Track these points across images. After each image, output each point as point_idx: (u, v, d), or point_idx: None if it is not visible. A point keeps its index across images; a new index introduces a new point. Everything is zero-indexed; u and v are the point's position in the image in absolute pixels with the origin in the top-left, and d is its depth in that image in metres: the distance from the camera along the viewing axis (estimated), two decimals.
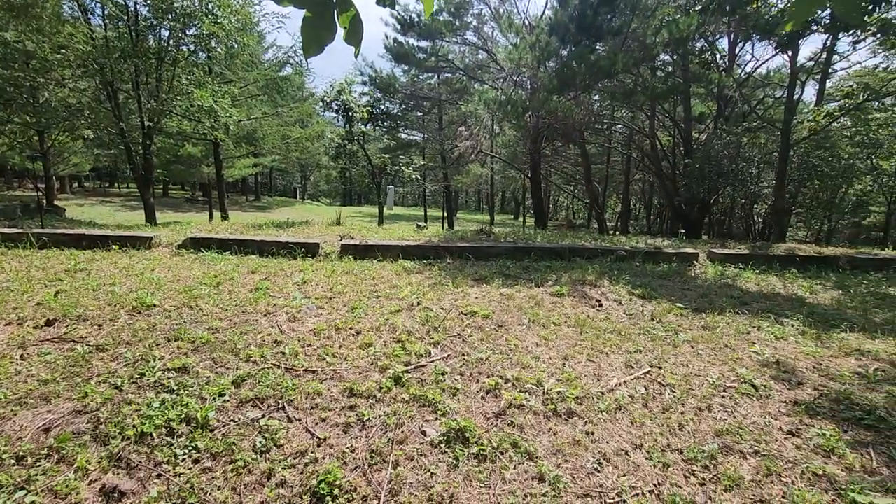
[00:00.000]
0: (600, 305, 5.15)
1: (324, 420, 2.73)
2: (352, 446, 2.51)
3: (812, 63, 16.38)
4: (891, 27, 10.06)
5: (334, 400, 2.93)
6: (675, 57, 16.58)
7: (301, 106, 28.18)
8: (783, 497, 2.22)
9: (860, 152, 12.68)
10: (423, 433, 2.60)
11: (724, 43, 17.32)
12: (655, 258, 7.50)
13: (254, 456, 2.41)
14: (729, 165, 13.30)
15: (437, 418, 2.76)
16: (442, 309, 4.58)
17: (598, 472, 2.34)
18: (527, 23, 19.36)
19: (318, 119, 33.21)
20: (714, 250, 7.93)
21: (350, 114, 15.55)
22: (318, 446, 2.51)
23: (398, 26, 21.99)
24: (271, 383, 3.03)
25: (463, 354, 3.60)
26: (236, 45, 16.12)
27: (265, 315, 4.24)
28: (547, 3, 18.06)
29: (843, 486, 2.28)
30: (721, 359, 3.76)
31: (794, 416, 2.93)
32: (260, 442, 2.50)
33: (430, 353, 3.62)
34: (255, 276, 5.56)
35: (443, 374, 3.26)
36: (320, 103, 18.64)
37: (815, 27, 10.07)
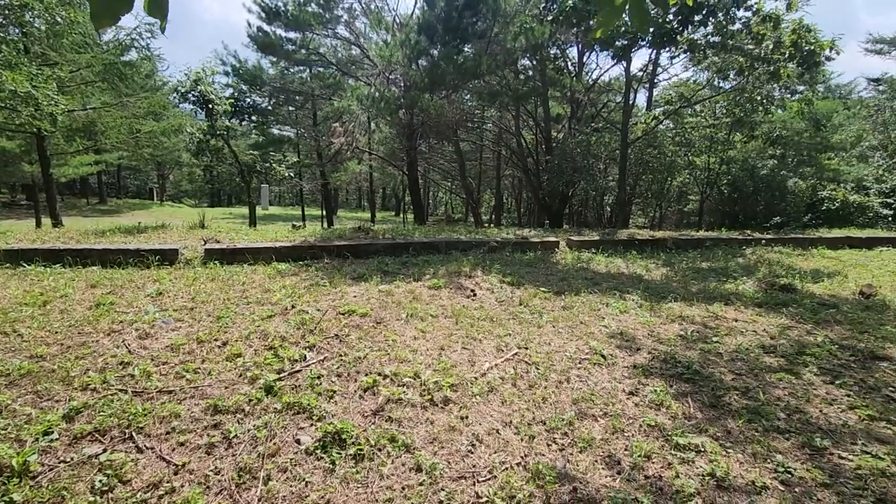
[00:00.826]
0: (474, 295, 5.41)
1: (182, 444, 2.47)
2: (216, 468, 2.31)
3: (642, 73, 19.10)
4: (696, 46, 12.12)
5: (195, 420, 2.66)
6: (534, 62, 18.04)
7: (152, 96, 24.81)
8: (625, 449, 2.56)
9: (679, 150, 15.17)
10: (298, 441, 2.49)
11: (574, 52, 19.32)
12: (523, 247, 8.10)
13: (92, 499, 2.09)
14: (582, 162, 14.90)
15: (312, 424, 2.66)
16: (318, 310, 4.42)
17: (472, 453, 2.47)
18: (397, 20, 19.46)
19: (175, 111, 29.68)
20: (572, 238, 8.82)
21: (211, 106, 14.16)
22: (176, 474, 2.26)
23: (263, 14, 20.54)
24: (115, 411, 2.65)
25: (340, 355, 3.52)
26: (61, 21, 13.62)
27: (109, 334, 3.69)
28: (416, 2, 18.35)
29: (670, 433, 2.70)
30: (577, 334, 4.20)
31: (633, 378, 3.40)
32: (100, 481, 2.17)
33: (305, 357, 3.47)
34: (95, 290, 4.80)
35: (319, 378, 3.16)
36: (174, 94, 16.67)
37: (641, 42, 11.73)
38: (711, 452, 2.52)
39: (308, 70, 26.23)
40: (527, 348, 3.83)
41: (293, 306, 4.51)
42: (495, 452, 2.48)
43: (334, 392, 3.00)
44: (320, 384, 3.08)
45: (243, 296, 4.80)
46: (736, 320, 4.77)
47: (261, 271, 5.87)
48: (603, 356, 3.71)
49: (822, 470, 2.41)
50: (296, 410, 2.78)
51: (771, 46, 11.08)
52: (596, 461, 2.44)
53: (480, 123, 26.64)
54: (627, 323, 4.57)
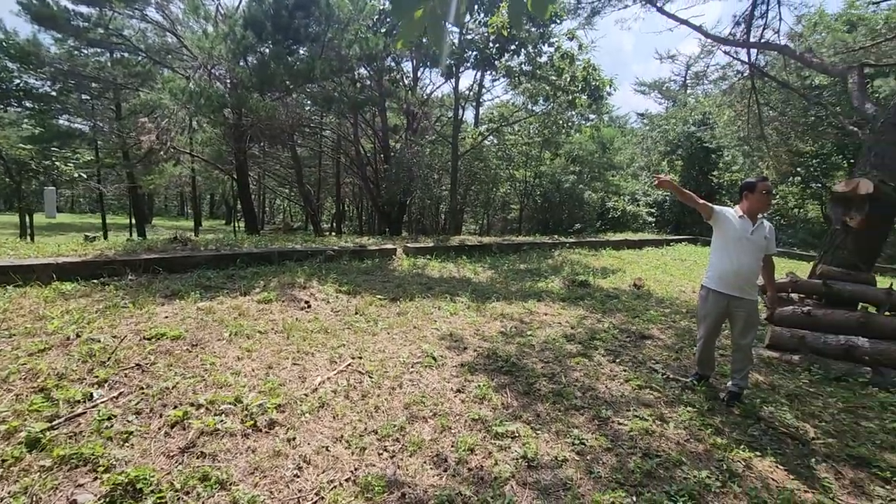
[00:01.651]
0: (309, 306, 5.17)
1: None
2: None
3: (470, 92, 20.79)
4: (512, 73, 13.68)
5: None
6: (371, 72, 18.17)
7: None
8: (452, 446, 2.70)
9: (502, 164, 16.93)
10: (74, 503, 2.04)
11: (409, 66, 20.03)
12: (361, 255, 8.06)
13: None
14: (417, 172, 15.50)
15: (97, 477, 2.21)
16: (115, 337, 3.72)
17: (299, 477, 2.33)
18: (221, 10, 17.69)
19: None
20: (409, 245, 9.09)
21: None
22: None
23: None
24: None
25: (141, 388, 3.01)
26: None
27: None
28: None
29: (491, 424, 2.94)
30: (411, 339, 4.32)
31: (461, 376, 3.62)
32: None
33: (91, 395, 2.88)
34: None
35: (109, 419, 2.65)
36: None
37: (467, 63, 12.77)
38: (524, 436, 2.82)
39: (109, 54, 22.11)
40: (361, 357, 3.80)
41: (78, 335, 3.71)
42: (324, 472, 2.38)
43: (130, 434, 2.54)
44: (111, 426, 2.58)
45: (2, 327, 3.79)
46: (546, 314, 5.45)
47: (33, 294, 4.71)
48: (434, 358, 3.88)
49: (606, 436, 2.88)
50: (73, 464, 2.27)
51: (568, 79, 13.07)
52: (425, 462, 2.52)
53: (319, 129, 25.79)
54: (457, 324, 4.87)
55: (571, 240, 11.88)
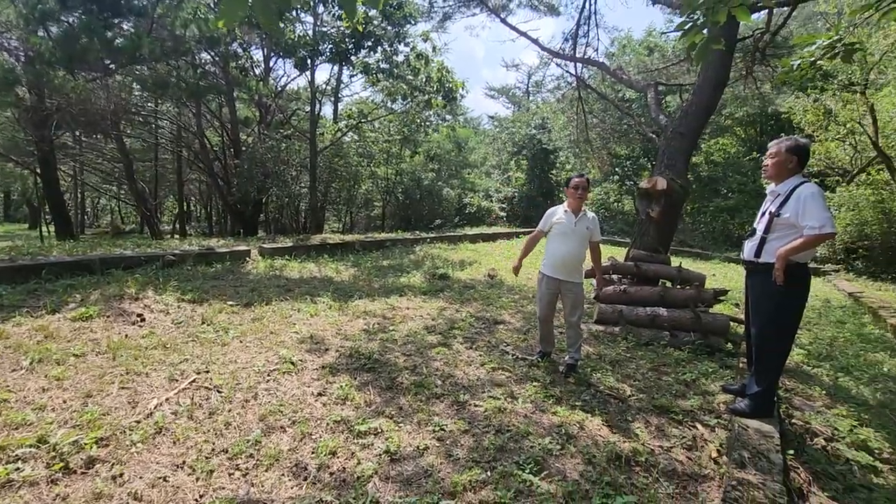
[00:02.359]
0: (143, 320, 4.53)
1: None
2: None
3: (327, 86, 20.10)
4: (370, 69, 13.59)
5: None
6: (215, 57, 16.42)
7: None
8: (313, 453, 2.60)
9: (363, 161, 16.78)
10: None
11: (259, 55, 18.57)
12: (209, 259, 7.29)
13: None
14: (273, 168, 14.54)
15: None
16: None
17: None
18: None
19: None
20: (264, 245, 8.49)
21: None
22: None
23: None
24: None
25: None
26: None
27: None
28: None
29: (354, 423, 2.91)
30: (267, 345, 4.06)
31: (322, 378, 3.51)
32: None
33: None
34: None
35: None
36: None
37: (322, 56, 12.34)
38: (387, 431, 2.85)
39: None
40: (208, 371, 3.45)
41: None
42: None
43: None
44: None
45: None
46: (408, 308, 5.57)
47: None
48: (293, 363, 3.70)
49: (464, 420, 3.06)
50: None
51: (424, 79, 13.46)
52: (283, 475, 2.39)
53: (153, 118, 22.49)
54: (318, 325, 4.71)
55: (432, 235, 12.29)
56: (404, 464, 2.56)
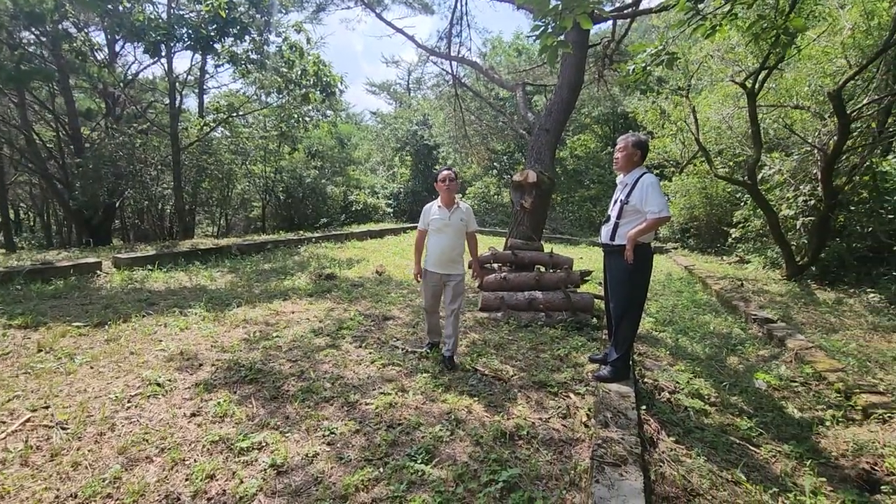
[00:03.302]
0: None
1: None
2: None
3: (189, 76, 18.13)
4: (238, 60, 12.56)
5: None
6: (41, 37, 13.86)
7: None
8: (187, 479, 2.37)
9: (237, 159, 15.52)
10: None
11: (101, 37, 16.09)
12: (45, 275, 6.21)
13: None
14: (127, 167, 12.81)
15: None
16: None
17: None
18: None
19: None
20: (120, 255, 7.46)
21: None
22: None
23: None
24: None
25: None
26: None
27: None
28: None
29: (234, 441, 2.70)
30: (126, 368, 3.59)
31: (196, 397, 3.21)
32: None
33: None
34: None
35: None
36: None
37: (179, 43, 11.10)
38: (273, 444, 2.70)
39: None
40: (47, 407, 2.95)
41: None
42: None
43: None
44: None
45: None
46: (294, 312, 5.32)
47: None
48: (159, 384, 3.32)
49: (355, 420, 3.02)
50: None
51: (300, 72, 12.85)
52: None
53: None
54: (189, 340, 4.28)
55: (317, 234, 11.86)
56: (293, 475, 2.45)
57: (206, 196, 15.35)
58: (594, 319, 5.25)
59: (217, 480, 2.37)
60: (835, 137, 6.82)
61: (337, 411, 3.13)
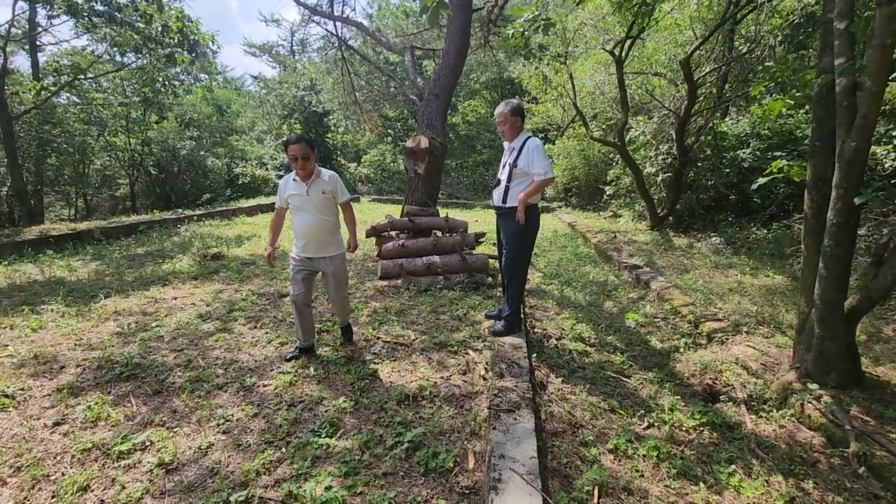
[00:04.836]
0: None
1: None
2: None
3: (17, 30, 14.99)
4: (78, 11, 10.64)
5: None
6: None
7: None
8: (53, 497, 2.12)
9: (91, 129, 13.38)
10: None
11: None
12: None
13: None
14: None
15: None
16: None
17: None
18: None
19: None
20: None
21: None
22: None
23: None
24: None
25: None
26: None
27: None
28: None
29: (111, 445, 2.45)
30: None
31: (59, 405, 2.84)
32: None
33: None
34: None
35: None
36: None
37: None
38: (159, 441, 2.50)
39: None
40: None
41: None
42: None
43: None
44: None
45: None
46: (176, 298, 4.87)
47: None
48: (8, 396, 2.87)
49: (252, 403, 2.90)
50: None
51: (160, 29, 11.30)
52: None
53: None
54: (45, 341, 3.74)
55: (200, 212, 10.82)
56: (184, 471, 2.31)
57: (56, 174, 13.14)
58: (489, 279, 5.52)
59: (93, 491, 2.16)
60: (685, 102, 7.72)
61: (232, 397, 2.98)
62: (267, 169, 16.85)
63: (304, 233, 3.30)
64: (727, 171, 7.95)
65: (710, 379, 3.37)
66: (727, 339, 3.96)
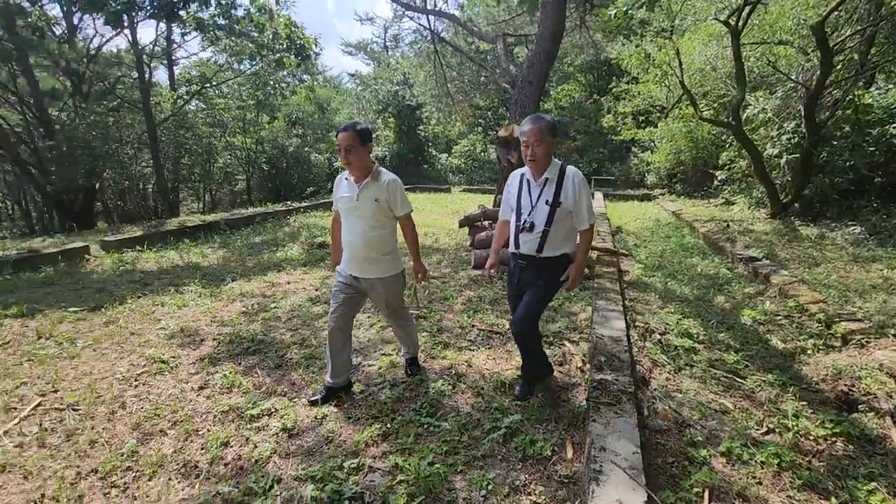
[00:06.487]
0: None
1: None
2: None
3: (157, 48, 17.30)
4: (205, 26, 11.99)
5: None
6: None
7: None
8: (202, 449, 2.47)
9: (215, 131, 15.10)
10: None
11: (56, 10, 15.18)
12: (34, 264, 6.15)
13: None
14: (102, 147, 12.44)
15: None
16: None
17: None
18: None
19: None
20: (108, 238, 7.38)
21: None
22: None
23: None
24: None
25: None
26: None
27: None
28: None
29: (244, 409, 2.80)
30: (129, 349, 3.64)
31: (202, 371, 3.28)
32: None
33: None
34: None
35: None
36: None
37: (141, 11, 10.54)
38: (282, 409, 2.79)
39: None
40: (56, 391, 3.01)
41: None
42: None
43: None
44: None
45: None
46: (289, 283, 5.36)
47: None
48: (164, 362, 3.38)
49: (360, 381, 3.12)
50: None
51: (271, 36, 12.34)
52: (170, 478, 2.24)
53: None
54: (188, 317, 4.32)
55: (305, 204, 11.74)
56: (304, 437, 2.56)
57: (188, 172, 15.03)
58: (586, 270, 5.34)
59: (232, 447, 2.47)
60: (817, 72, 6.77)
61: None
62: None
63: (349, 244, 2.72)
64: (871, 149, 6.88)
65: (846, 386, 2.98)
66: (868, 342, 3.47)
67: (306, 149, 17.04)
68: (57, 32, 15.10)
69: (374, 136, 2.81)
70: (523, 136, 2.60)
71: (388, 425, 2.62)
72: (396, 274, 2.80)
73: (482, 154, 19.46)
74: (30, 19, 13.76)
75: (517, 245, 2.74)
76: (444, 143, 21.31)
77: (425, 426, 2.60)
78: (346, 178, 2.73)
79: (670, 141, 12.76)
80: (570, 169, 2.64)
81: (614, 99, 14.95)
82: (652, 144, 14.24)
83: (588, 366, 3.25)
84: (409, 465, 2.25)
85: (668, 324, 4.02)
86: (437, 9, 9.10)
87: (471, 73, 14.67)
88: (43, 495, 2.13)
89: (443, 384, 3.03)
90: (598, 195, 12.86)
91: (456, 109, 15.21)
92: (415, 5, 9.49)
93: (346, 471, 2.25)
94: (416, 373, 3.16)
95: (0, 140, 15.60)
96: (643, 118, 14.13)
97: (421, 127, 18.54)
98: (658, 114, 13.20)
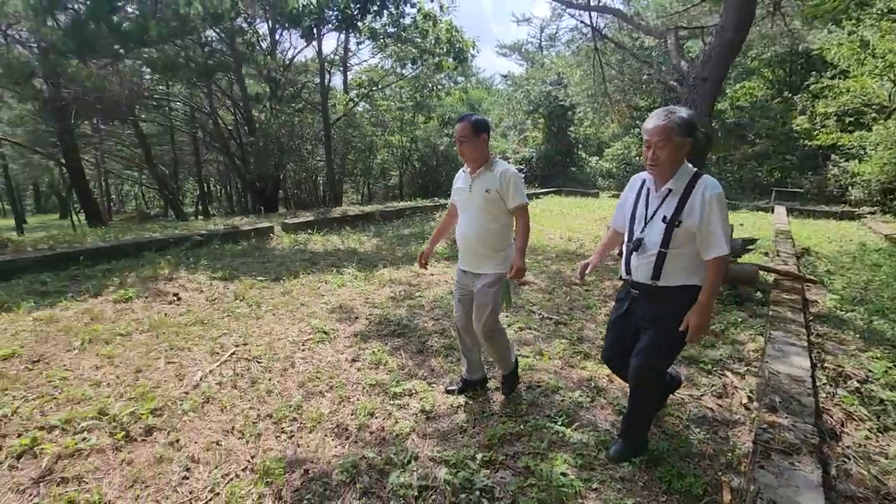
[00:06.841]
0: (179, 299, 4.71)
1: None
2: None
3: (335, 56, 19.75)
4: (377, 35, 13.28)
5: None
6: (220, 34, 16.27)
7: None
8: (352, 414, 2.73)
9: (377, 130, 16.66)
10: None
11: (264, 28, 18.28)
12: (234, 237, 7.46)
13: None
14: (288, 143, 14.56)
15: None
16: None
17: (188, 478, 2.19)
18: None
19: None
20: (287, 221, 8.62)
21: None
22: None
23: None
24: None
25: None
26: None
27: None
28: None
29: (388, 386, 3.02)
30: (299, 317, 4.19)
31: (354, 346, 3.63)
32: None
33: None
34: None
35: None
36: None
37: (328, 24, 12.08)
38: (421, 392, 2.95)
39: None
40: (246, 344, 3.60)
41: None
42: (216, 467, 2.26)
43: None
44: None
45: None
46: (433, 275, 5.64)
47: None
48: (325, 332, 3.82)
49: (495, 378, 3.14)
50: None
51: (433, 41, 13.11)
52: (325, 436, 2.52)
53: (166, 101, 22.58)
54: (346, 296, 4.82)
55: None
56: (440, 421, 2.66)
57: (352, 167, 16.80)
58: (758, 293, 4.63)
59: (376, 418, 2.69)
60: None
61: None
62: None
63: (463, 236, 2.66)
64: None
65: None
66: None
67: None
68: (263, 46, 18.07)
69: (490, 128, 2.68)
70: (646, 133, 2.10)
71: (521, 427, 2.58)
72: (499, 275, 2.60)
73: (636, 158, 18.14)
74: (245, 36, 16.67)
75: (628, 270, 2.25)
76: (595, 145, 20.39)
77: (559, 434, 2.51)
78: (464, 171, 2.71)
79: (889, 148, 10.33)
80: (705, 180, 2.06)
81: (811, 97, 12.64)
82: (861, 152, 11.70)
83: (756, 404, 2.80)
84: (542, 470, 2.19)
85: (871, 371, 3.26)
86: (601, 4, 8.69)
87: (632, 71, 13.75)
88: (233, 427, 2.56)
89: (580, 395, 2.89)
90: (780, 210, 11.03)
91: (613, 110, 14.42)
92: (577, 2, 9.19)
93: (478, 462, 2.28)
94: (509, 391, 2.87)
95: (217, 136, 19.23)
96: (851, 120, 11.68)
97: (572, 128, 18.00)
98: (875, 115, 10.78)
